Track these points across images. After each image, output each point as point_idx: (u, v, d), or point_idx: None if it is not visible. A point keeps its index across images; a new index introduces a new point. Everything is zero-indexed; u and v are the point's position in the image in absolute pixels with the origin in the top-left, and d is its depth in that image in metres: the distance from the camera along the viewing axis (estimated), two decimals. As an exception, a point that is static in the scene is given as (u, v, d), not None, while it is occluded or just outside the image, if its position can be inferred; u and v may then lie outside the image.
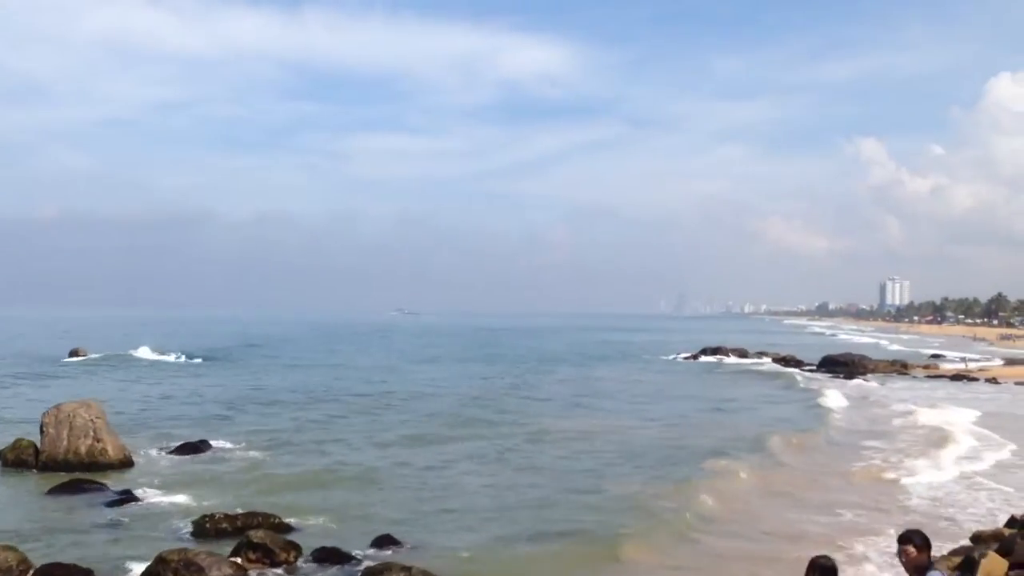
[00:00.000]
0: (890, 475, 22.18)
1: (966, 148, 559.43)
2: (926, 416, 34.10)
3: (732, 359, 72.05)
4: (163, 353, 66.95)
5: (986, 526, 16.16)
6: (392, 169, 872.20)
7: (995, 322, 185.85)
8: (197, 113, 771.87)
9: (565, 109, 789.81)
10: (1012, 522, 15.52)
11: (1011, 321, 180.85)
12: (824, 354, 69.01)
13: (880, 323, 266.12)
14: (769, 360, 71.03)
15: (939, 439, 28.19)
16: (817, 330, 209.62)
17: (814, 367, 63.56)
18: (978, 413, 35.21)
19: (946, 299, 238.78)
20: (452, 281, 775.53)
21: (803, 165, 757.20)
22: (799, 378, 54.69)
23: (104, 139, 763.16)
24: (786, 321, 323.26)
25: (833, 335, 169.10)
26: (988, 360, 78.23)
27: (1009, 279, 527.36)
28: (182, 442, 24.97)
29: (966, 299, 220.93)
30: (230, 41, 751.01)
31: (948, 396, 43.40)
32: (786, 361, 69.27)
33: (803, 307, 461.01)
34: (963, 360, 72.35)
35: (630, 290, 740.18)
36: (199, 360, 64.07)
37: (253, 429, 28.80)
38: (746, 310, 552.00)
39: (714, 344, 79.09)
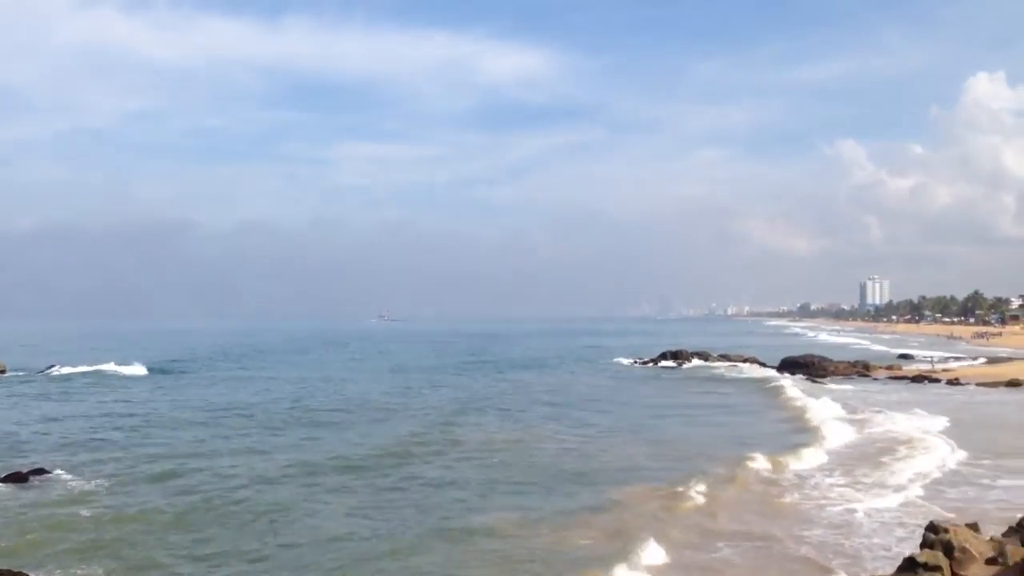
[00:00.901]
0: (794, 497, 19.49)
1: (945, 148, 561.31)
2: (873, 425, 31.71)
3: (693, 363, 69.55)
4: (115, 364, 63.72)
5: (881, 566, 13.55)
6: (374, 176, 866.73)
7: (971, 320, 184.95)
8: (176, 122, 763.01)
9: (545, 114, 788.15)
10: (909, 564, 12.88)
11: (987, 319, 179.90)
12: (798, 354, 67.03)
13: (859, 323, 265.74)
14: (728, 363, 68.71)
15: (878, 451, 25.79)
16: (796, 331, 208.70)
17: (775, 368, 61.45)
18: (922, 421, 32.82)
19: (923, 298, 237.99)
20: (435, 287, 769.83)
21: (784, 167, 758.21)
22: (752, 383, 52.34)
23: (81, 150, 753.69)
24: (767, 323, 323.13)
25: (810, 336, 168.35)
26: (960, 359, 76.36)
27: (988, 277, 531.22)
28: (13, 471, 22.06)
29: (943, 297, 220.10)
30: (208, 50, 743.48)
31: (900, 400, 41.08)
32: (746, 363, 66.96)
33: (785, 308, 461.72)
34: (930, 360, 70.22)
35: (614, 294, 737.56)
36: (143, 373, 60.84)
37: (117, 455, 25.76)
38: (729, 312, 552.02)
39: (675, 348, 76.54)
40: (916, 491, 19.88)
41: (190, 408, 39.19)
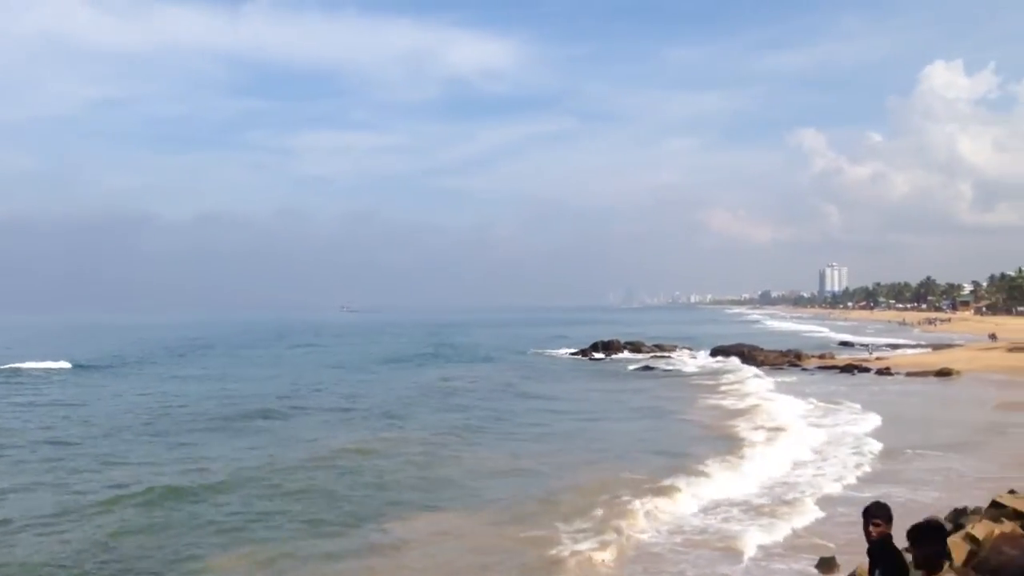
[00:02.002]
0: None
1: (902, 136, 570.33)
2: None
3: (624, 353, 66.91)
4: (38, 360, 59.44)
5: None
6: (339, 166, 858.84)
7: (924, 306, 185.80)
8: (138, 111, 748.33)
9: (511, 104, 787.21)
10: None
11: (939, 305, 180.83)
12: (731, 343, 64.82)
13: (817, 310, 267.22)
14: (661, 353, 66.22)
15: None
16: (753, 318, 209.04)
17: (708, 357, 59.19)
18: (845, 425, 30.18)
19: (878, 285, 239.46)
20: (401, 277, 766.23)
21: (747, 156, 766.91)
22: (676, 376, 49.77)
23: (43, 139, 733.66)
24: (728, 310, 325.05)
25: (765, 323, 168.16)
26: (900, 347, 74.89)
27: (945, 264, 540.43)
28: None
29: (897, 284, 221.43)
30: (170, 37, 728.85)
31: (818, 393, 38.57)
32: (679, 352, 64.57)
33: (747, 296, 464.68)
34: (868, 348, 68.52)
35: (580, 283, 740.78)
36: (65, 368, 56.57)
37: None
38: (692, 300, 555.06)
39: (607, 338, 73.90)
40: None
41: (84, 409, 35.18)
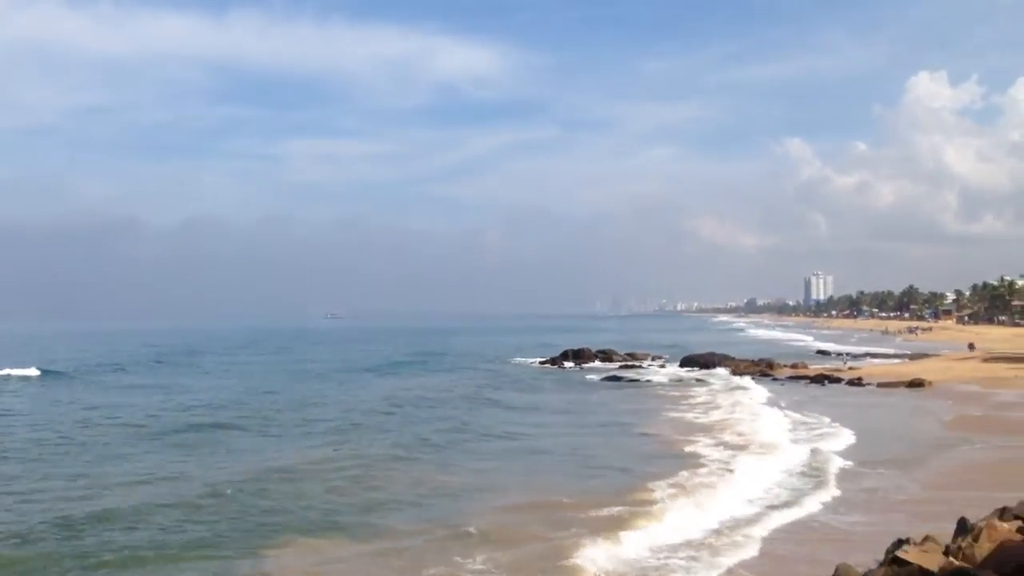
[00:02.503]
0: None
1: (888, 146, 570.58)
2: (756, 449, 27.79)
3: (594, 363, 65.61)
4: (9, 368, 57.54)
5: None
6: (326, 173, 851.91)
7: (906, 315, 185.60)
8: (121, 119, 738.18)
9: (498, 112, 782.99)
10: None
11: (921, 314, 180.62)
12: (702, 352, 63.75)
13: (801, 318, 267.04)
14: (633, 362, 65.01)
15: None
16: (738, 326, 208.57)
17: (676, 366, 58.05)
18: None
19: (862, 293, 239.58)
20: (389, 285, 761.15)
21: (733, 165, 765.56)
22: (644, 387, 48.54)
23: (24, 147, 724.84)
24: (713, 319, 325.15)
25: (749, 332, 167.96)
26: (876, 356, 74.03)
27: (929, 272, 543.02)
28: None
29: (880, 293, 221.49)
30: (154, 45, 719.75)
31: (788, 404, 37.44)
32: (652, 362, 63.43)
33: (733, 304, 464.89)
34: (843, 357, 67.53)
35: (567, 290, 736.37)
36: (34, 376, 55.25)
37: None
38: (679, 308, 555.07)
39: (593, 346, 72.63)
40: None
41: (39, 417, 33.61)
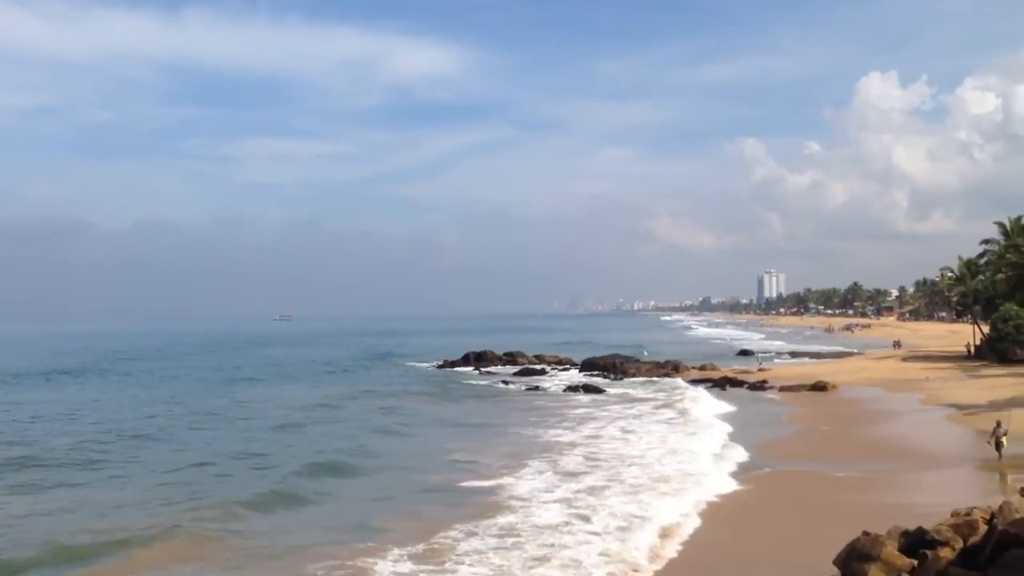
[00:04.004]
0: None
1: (839, 146, 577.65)
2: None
3: (497, 367, 60.84)
4: None
5: None
6: (281, 173, 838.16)
7: (850, 312, 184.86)
8: (70, 118, 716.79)
9: (455, 112, 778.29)
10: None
11: (864, 311, 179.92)
12: (602, 355, 59.63)
13: (752, 316, 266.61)
14: (531, 365, 60.46)
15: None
16: (685, 324, 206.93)
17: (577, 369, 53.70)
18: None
19: (809, 290, 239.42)
20: (345, 286, 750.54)
21: (689, 165, 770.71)
22: (503, 396, 44.12)
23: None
24: (664, 317, 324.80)
25: (693, 330, 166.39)
26: (798, 356, 70.79)
27: (879, 269, 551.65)
28: None
29: (827, 290, 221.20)
30: (105, 44, 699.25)
31: (669, 420, 33.15)
32: (557, 365, 58.95)
33: (689, 302, 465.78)
34: (757, 358, 63.96)
35: (525, 290, 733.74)
36: None
37: None
38: (636, 307, 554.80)
39: (479, 349, 67.95)
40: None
41: None
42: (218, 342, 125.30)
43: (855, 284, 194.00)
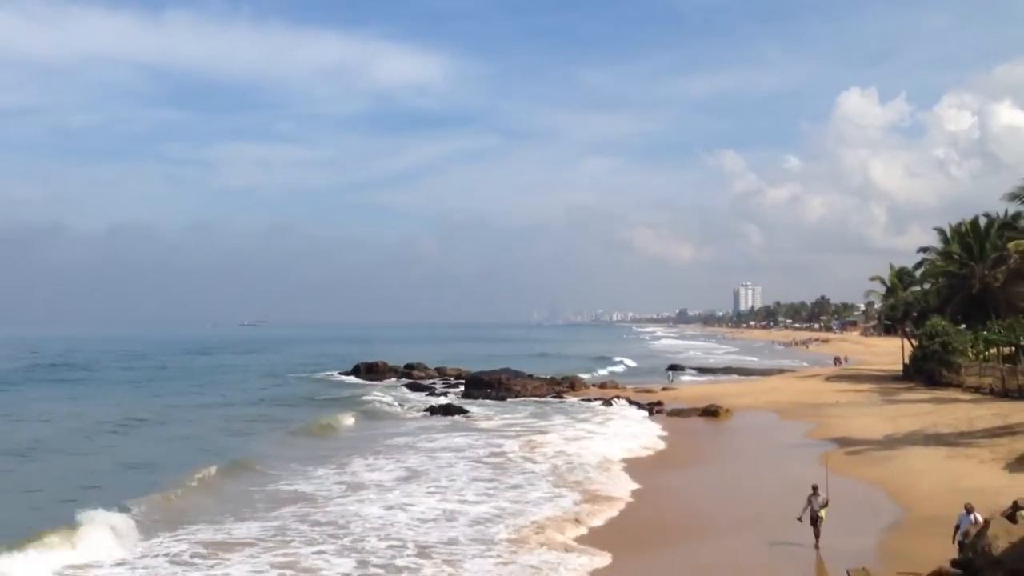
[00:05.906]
0: None
1: (818, 160, 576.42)
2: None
3: (390, 379, 54.72)
4: None
5: None
6: (260, 178, 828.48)
7: (817, 325, 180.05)
8: (48, 121, 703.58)
9: (437, 120, 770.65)
10: None
11: (829, 325, 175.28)
12: (492, 369, 53.58)
13: (724, 329, 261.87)
14: (421, 380, 54.31)
15: None
16: (654, 336, 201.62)
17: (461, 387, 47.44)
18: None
19: (778, 304, 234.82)
20: (322, 293, 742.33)
21: (669, 176, 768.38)
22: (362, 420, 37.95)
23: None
24: (637, 328, 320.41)
25: (661, 342, 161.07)
26: (725, 373, 65.14)
27: (854, 283, 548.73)
28: None
29: (795, 304, 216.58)
30: (84, 46, 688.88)
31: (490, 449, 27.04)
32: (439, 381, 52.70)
33: (666, 314, 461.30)
34: (669, 376, 58.02)
35: (504, 300, 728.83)
36: None
37: None
38: (615, 318, 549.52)
39: (372, 360, 62.11)
40: None
41: None
42: (161, 349, 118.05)
43: (822, 298, 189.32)
